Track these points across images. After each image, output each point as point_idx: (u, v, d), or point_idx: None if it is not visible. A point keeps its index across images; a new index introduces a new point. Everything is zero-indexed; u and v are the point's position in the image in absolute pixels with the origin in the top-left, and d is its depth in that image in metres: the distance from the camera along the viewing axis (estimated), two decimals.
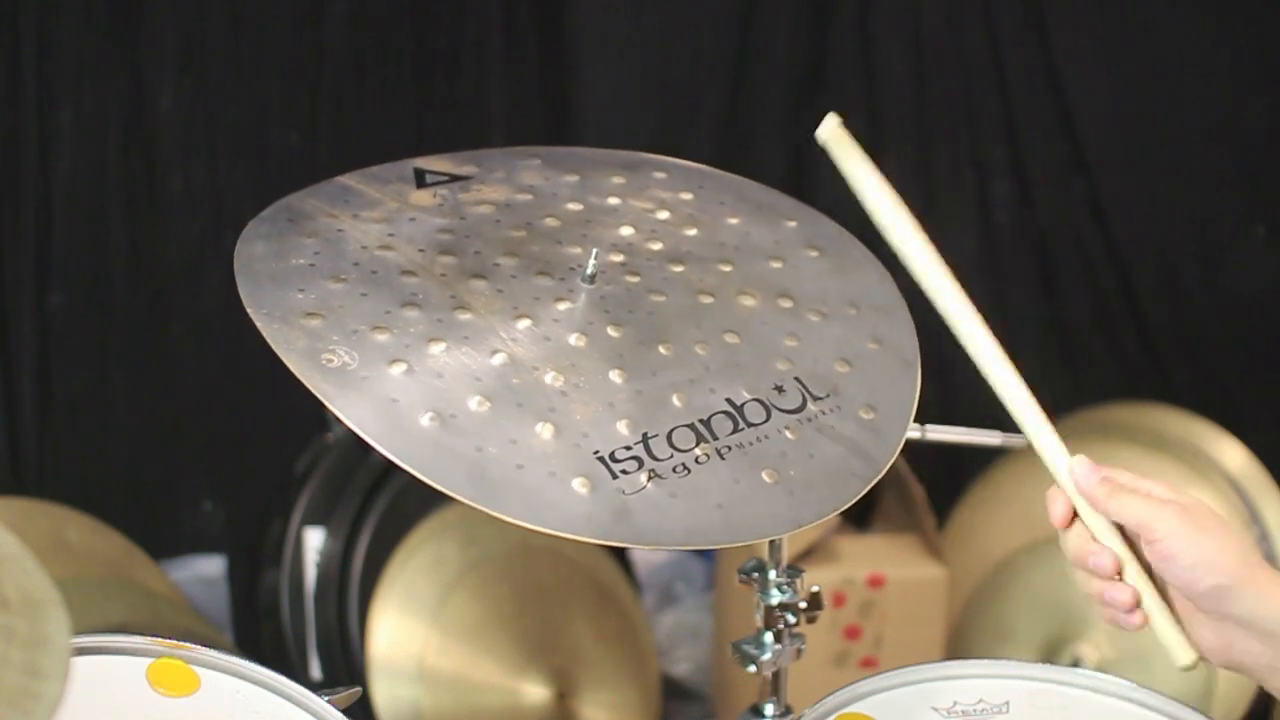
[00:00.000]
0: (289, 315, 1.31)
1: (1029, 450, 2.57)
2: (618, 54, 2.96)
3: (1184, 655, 1.15)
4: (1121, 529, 1.17)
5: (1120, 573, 1.16)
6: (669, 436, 1.30)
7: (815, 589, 1.53)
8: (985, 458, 2.71)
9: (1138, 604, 1.16)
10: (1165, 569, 1.14)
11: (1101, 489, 1.16)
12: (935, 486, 2.59)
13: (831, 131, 1.25)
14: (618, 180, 1.54)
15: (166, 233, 2.81)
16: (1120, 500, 1.15)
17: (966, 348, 1.22)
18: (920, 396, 1.42)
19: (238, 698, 1.37)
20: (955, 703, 1.44)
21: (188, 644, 1.38)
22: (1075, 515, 1.18)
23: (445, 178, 1.50)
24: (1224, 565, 1.12)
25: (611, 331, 1.36)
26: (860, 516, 2.60)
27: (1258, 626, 1.12)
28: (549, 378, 1.31)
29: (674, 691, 2.77)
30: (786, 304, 1.44)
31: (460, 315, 1.34)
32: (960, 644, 2.56)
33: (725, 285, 1.44)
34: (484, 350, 1.32)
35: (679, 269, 1.44)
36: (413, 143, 2.80)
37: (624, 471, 1.27)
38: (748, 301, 1.43)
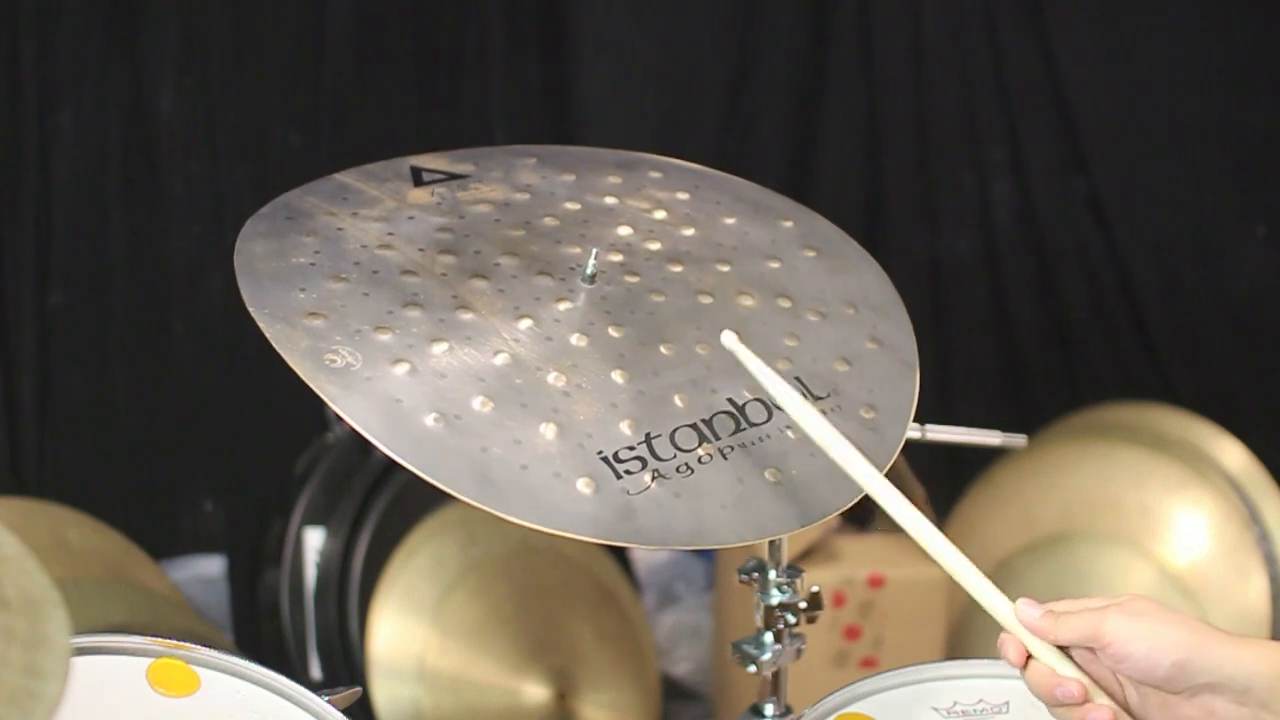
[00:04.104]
0: (291, 315, 1.31)
1: (1029, 450, 2.57)
2: (618, 54, 2.96)
3: None
4: (1072, 657, 1.20)
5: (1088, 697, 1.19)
6: (672, 436, 1.30)
7: (815, 589, 1.53)
8: (985, 458, 2.71)
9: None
10: (1126, 668, 1.17)
11: (1047, 621, 1.20)
12: (935, 486, 2.59)
13: (734, 343, 1.27)
14: (614, 180, 1.54)
15: (166, 233, 2.81)
16: (1065, 624, 1.19)
17: (898, 522, 1.24)
18: (920, 396, 1.42)
19: (237, 697, 1.37)
20: (955, 703, 1.45)
21: (188, 644, 1.38)
22: (1030, 655, 1.20)
23: (442, 176, 1.50)
24: (1176, 641, 1.15)
25: (613, 332, 1.36)
26: (860, 516, 2.60)
27: (1229, 687, 1.14)
28: (551, 378, 1.31)
29: (674, 691, 2.77)
30: (785, 304, 1.44)
31: (462, 315, 1.34)
32: (960, 644, 2.56)
33: (724, 285, 1.44)
34: (486, 350, 1.32)
35: (678, 269, 1.44)
36: (414, 143, 2.80)
37: (628, 472, 1.27)
38: (746, 301, 1.43)
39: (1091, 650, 1.18)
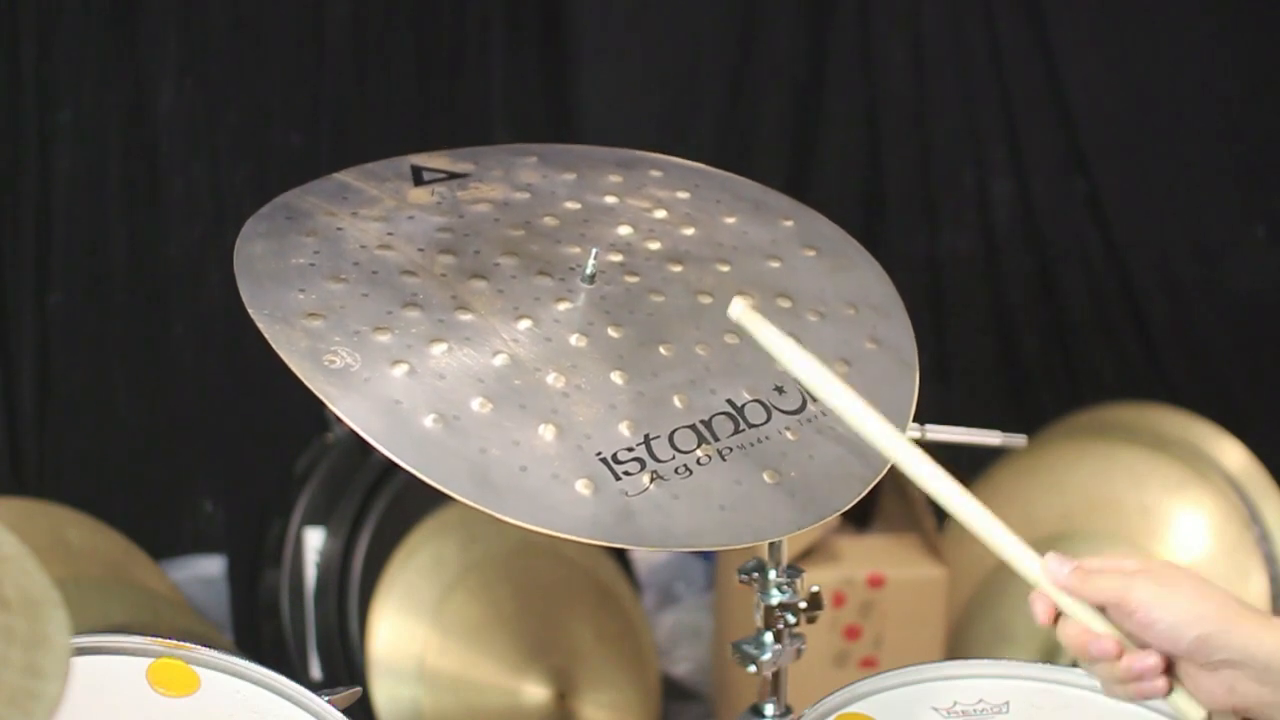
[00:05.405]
0: (290, 316, 1.31)
1: (1029, 450, 2.56)
2: (618, 54, 2.96)
3: (1194, 712, 1.17)
4: (1104, 613, 1.19)
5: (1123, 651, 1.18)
6: (671, 438, 1.30)
7: (815, 589, 1.53)
8: (985, 458, 2.71)
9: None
10: (1150, 635, 1.17)
11: (1075, 578, 1.19)
12: None
13: (742, 312, 1.25)
14: (614, 179, 1.54)
15: (166, 233, 2.81)
16: (1094, 583, 1.18)
17: (919, 483, 1.24)
18: (920, 396, 1.42)
19: (238, 698, 1.37)
20: (955, 703, 1.45)
21: (188, 644, 1.38)
22: (1059, 612, 1.20)
23: (442, 175, 1.50)
24: (1202, 615, 1.15)
25: (612, 332, 1.36)
26: (860, 516, 2.60)
27: (1251, 666, 1.14)
28: (551, 379, 1.31)
29: (674, 691, 2.77)
30: (785, 304, 1.44)
31: (461, 316, 1.34)
32: (960, 644, 2.56)
33: (724, 285, 1.44)
34: (485, 351, 1.32)
35: (678, 269, 1.44)
36: (415, 143, 2.80)
37: (626, 473, 1.27)
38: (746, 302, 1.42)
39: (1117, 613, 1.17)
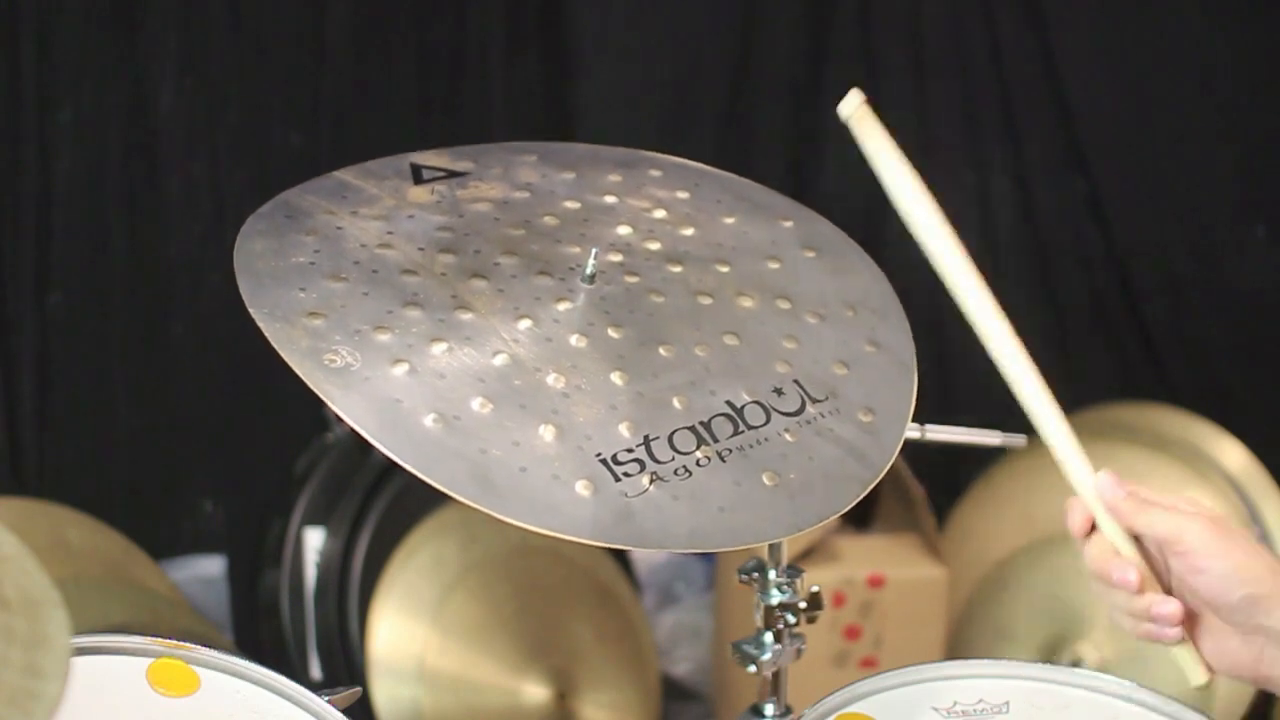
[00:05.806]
0: (291, 315, 1.31)
1: (1029, 450, 2.56)
2: (619, 55, 2.96)
3: (1198, 675, 1.15)
4: (1141, 545, 1.16)
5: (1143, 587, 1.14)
6: (670, 439, 1.30)
7: (815, 589, 1.53)
8: (985, 458, 2.71)
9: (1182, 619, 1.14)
10: (1196, 581, 1.13)
11: (1128, 504, 1.15)
12: (935, 486, 2.59)
13: (855, 109, 1.21)
14: (614, 178, 1.54)
15: (166, 233, 2.81)
16: (1148, 515, 1.14)
17: (988, 348, 1.21)
18: (920, 396, 1.42)
19: (238, 698, 1.37)
20: (955, 703, 1.45)
21: (188, 644, 1.38)
22: (1094, 527, 1.16)
23: (442, 173, 1.50)
24: (1256, 575, 1.11)
25: (612, 332, 1.36)
26: (860, 516, 2.60)
27: None
28: (551, 379, 1.31)
29: (674, 691, 2.77)
30: (784, 305, 1.44)
31: (462, 315, 1.34)
32: (960, 644, 2.56)
33: (723, 286, 1.44)
34: (486, 351, 1.32)
35: (677, 269, 1.44)
36: (414, 143, 2.79)
37: (626, 474, 1.27)
38: (746, 303, 1.43)
39: (1162, 550, 1.13)
